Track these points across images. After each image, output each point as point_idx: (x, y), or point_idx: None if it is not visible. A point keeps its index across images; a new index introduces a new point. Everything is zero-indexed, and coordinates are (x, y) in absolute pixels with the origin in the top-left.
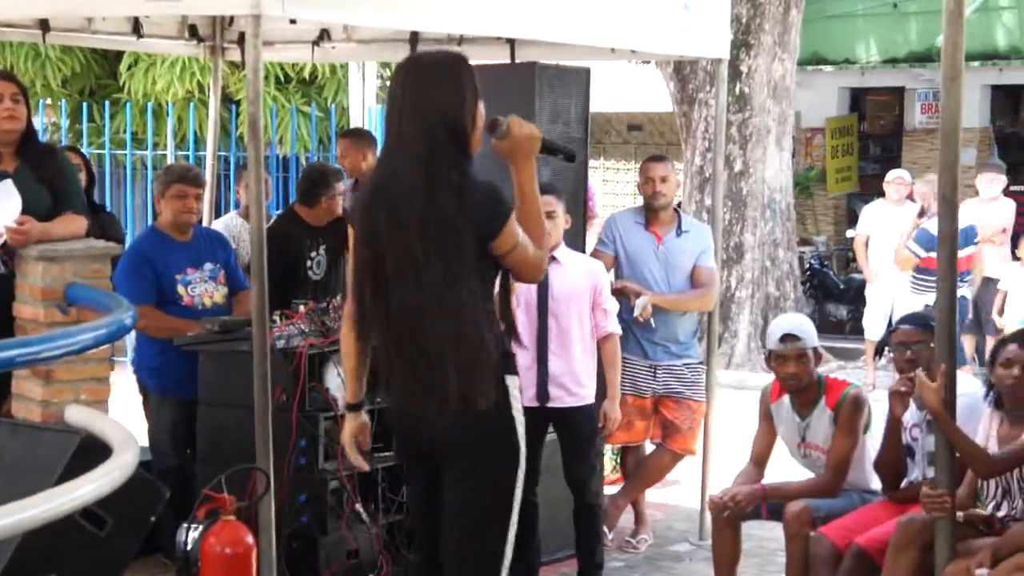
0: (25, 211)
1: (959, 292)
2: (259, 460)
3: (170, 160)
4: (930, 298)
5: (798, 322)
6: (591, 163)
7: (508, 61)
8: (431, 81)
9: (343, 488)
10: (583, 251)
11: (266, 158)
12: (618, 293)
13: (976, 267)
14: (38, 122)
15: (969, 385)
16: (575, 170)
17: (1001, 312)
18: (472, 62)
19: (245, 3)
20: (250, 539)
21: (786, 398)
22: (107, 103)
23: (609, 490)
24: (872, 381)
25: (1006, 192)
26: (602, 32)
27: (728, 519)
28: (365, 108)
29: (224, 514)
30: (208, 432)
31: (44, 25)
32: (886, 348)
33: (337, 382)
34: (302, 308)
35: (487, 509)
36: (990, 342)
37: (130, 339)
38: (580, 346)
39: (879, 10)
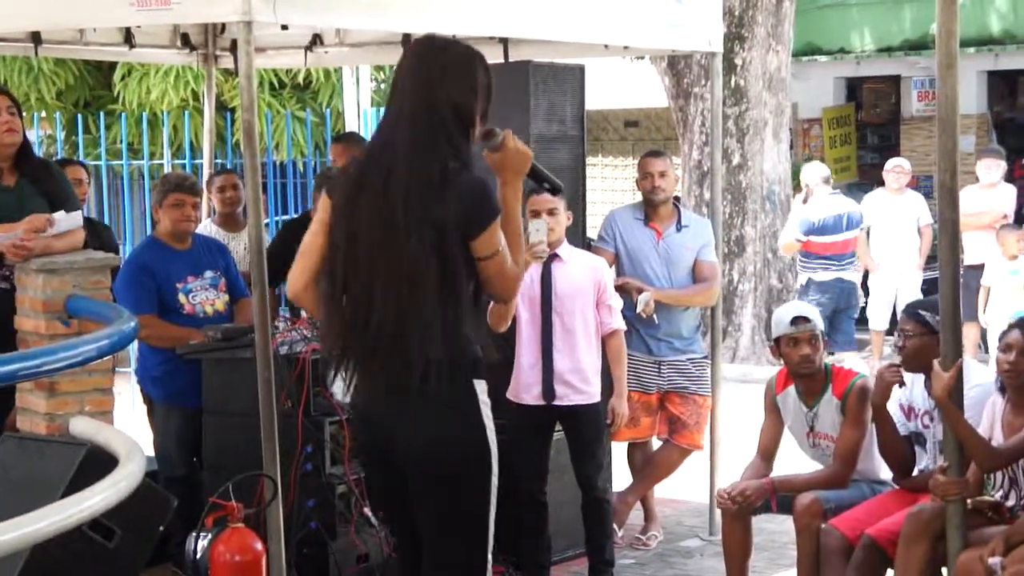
0: None
1: (844, 275)
2: (266, 467)
3: (167, 169)
4: (817, 276)
5: (805, 306)
6: (588, 160)
7: (502, 60)
8: (448, 64)
9: (351, 492)
10: (581, 247)
11: (262, 164)
12: (620, 290)
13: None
14: (33, 135)
15: (983, 375)
16: (573, 167)
17: (984, 308)
18: None
19: (236, 10)
20: (259, 546)
21: (791, 389)
22: (102, 114)
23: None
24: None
25: (1008, 178)
26: (595, 29)
27: (738, 514)
28: (360, 112)
29: (232, 522)
30: (214, 440)
31: (36, 38)
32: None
33: (341, 387)
34: (304, 314)
35: (463, 520)
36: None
37: (133, 349)
38: (585, 343)
39: None
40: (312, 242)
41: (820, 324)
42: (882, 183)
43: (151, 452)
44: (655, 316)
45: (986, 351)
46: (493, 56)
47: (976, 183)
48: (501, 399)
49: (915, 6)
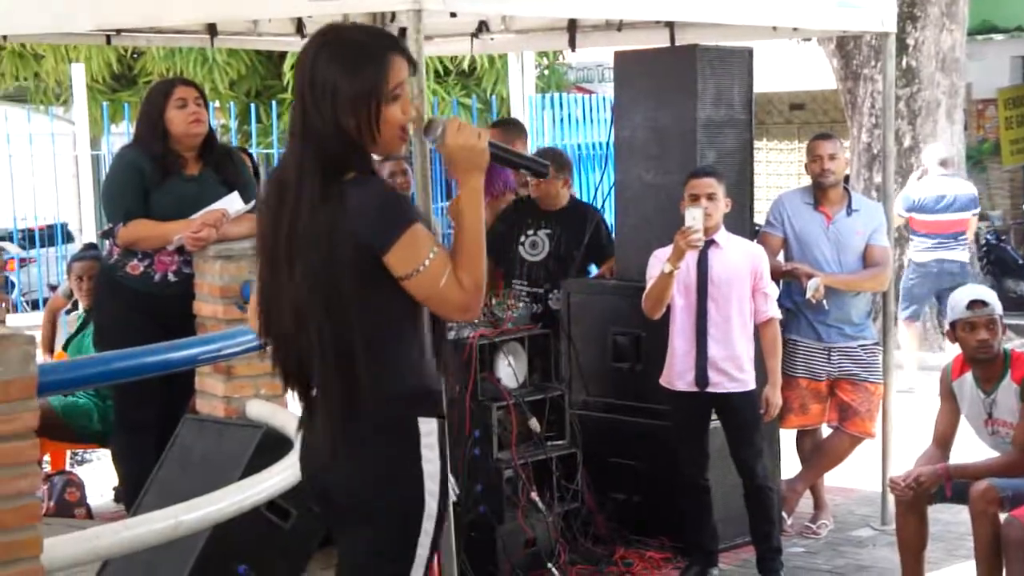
0: None
1: (946, 255)
2: None
3: None
4: (917, 255)
5: (982, 290)
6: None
7: (668, 44)
8: (328, 61)
9: (518, 477)
10: (744, 235)
11: (431, 151)
12: (789, 275)
13: None
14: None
15: None
16: (741, 152)
17: None
18: (631, 47)
19: None
20: None
21: (968, 375)
22: (274, 103)
23: None
24: None
25: None
26: (763, 10)
27: (912, 503)
28: (525, 98)
29: None
30: None
31: (212, 30)
32: None
33: (508, 372)
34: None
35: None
36: None
37: None
38: (740, 330)
39: None
40: None
41: (998, 307)
42: None
43: None
44: (825, 302)
45: None
46: (659, 40)
47: None
48: (653, 385)
49: None
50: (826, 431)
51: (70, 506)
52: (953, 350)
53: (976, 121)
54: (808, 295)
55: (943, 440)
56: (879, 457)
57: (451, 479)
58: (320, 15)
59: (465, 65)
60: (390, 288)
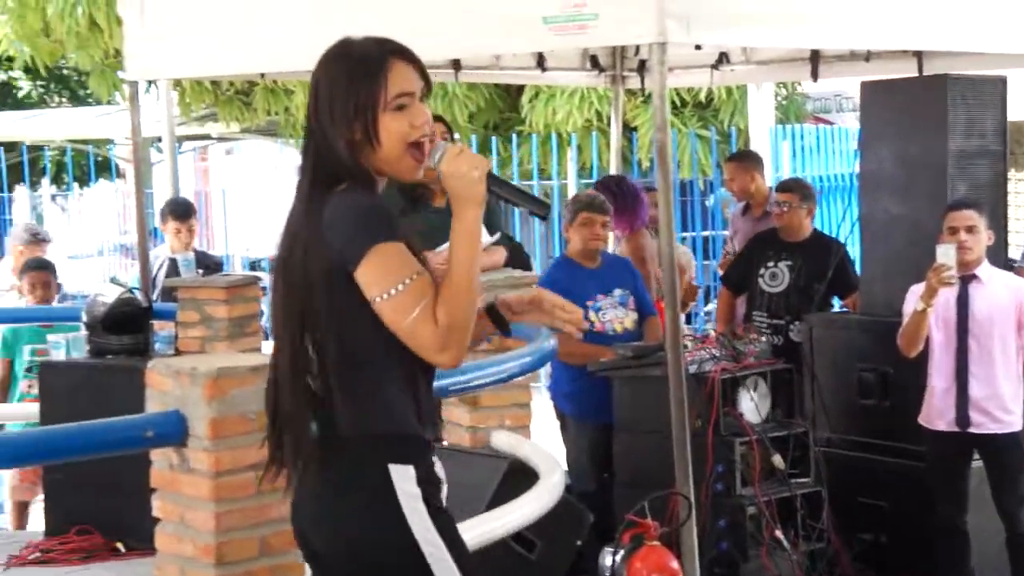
0: None
1: None
2: (679, 485)
3: (572, 189)
4: None
5: None
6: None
7: (915, 74)
8: (329, 70)
9: (761, 514)
10: (1002, 267)
11: None
12: None
13: None
14: None
15: None
16: (994, 184)
17: None
18: (874, 77)
19: (651, 31)
20: (675, 564)
21: None
22: (514, 136)
23: None
24: None
25: None
26: (1016, 38)
27: None
28: (765, 129)
29: (649, 539)
30: (625, 457)
31: (456, 64)
32: None
33: (751, 406)
34: (712, 333)
35: None
36: None
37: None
38: (1004, 369)
39: None
40: None
41: None
42: None
43: (564, 467)
44: None
45: None
46: (905, 70)
47: None
48: (903, 423)
49: None
50: None
51: None
52: None
53: None
54: None
55: None
56: None
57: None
58: (561, 48)
59: (702, 96)
60: (367, 312)
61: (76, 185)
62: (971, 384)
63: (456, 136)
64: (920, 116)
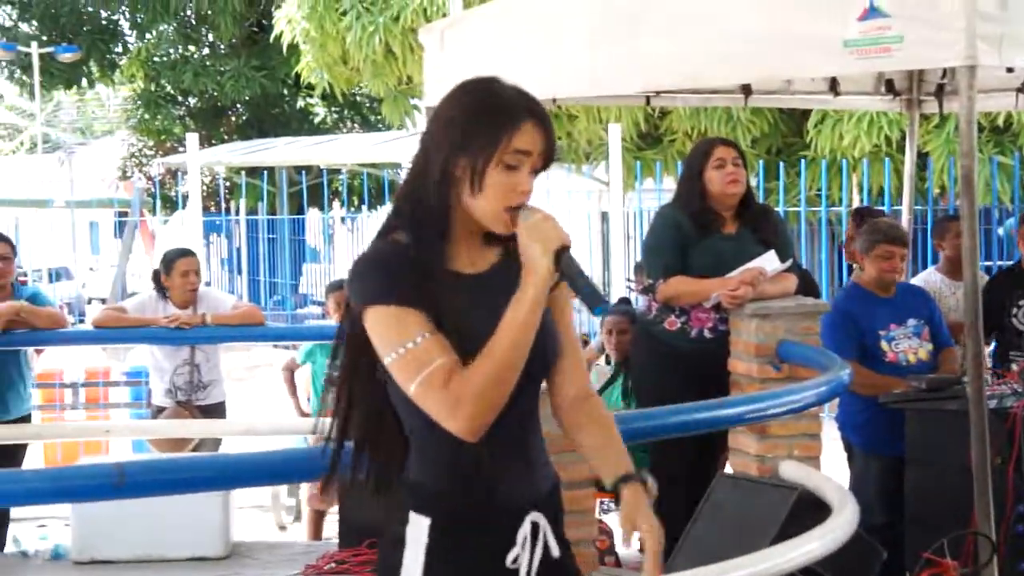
0: None
1: None
2: (979, 525)
3: None
4: None
5: None
6: None
7: None
8: (459, 101)
9: None
10: None
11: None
12: None
13: None
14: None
15: None
16: None
17: None
18: None
19: (960, 54)
20: None
21: None
22: (803, 161)
23: None
24: None
25: None
26: None
27: None
28: None
29: None
30: (917, 492)
31: (747, 90)
32: None
33: None
34: (1015, 366)
35: None
36: None
37: None
38: None
39: None
40: None
41: None
42: None
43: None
44: None
45: None
46: None
47: None
48: None
49: None
50: None
51: (600, 554)
52: None
53: None
54: None
55: None
56: None
57: None
58: (860, 72)
59: (1000, 121)
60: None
61: (364, 208)
62: None
63: (739, 163)
64: None
